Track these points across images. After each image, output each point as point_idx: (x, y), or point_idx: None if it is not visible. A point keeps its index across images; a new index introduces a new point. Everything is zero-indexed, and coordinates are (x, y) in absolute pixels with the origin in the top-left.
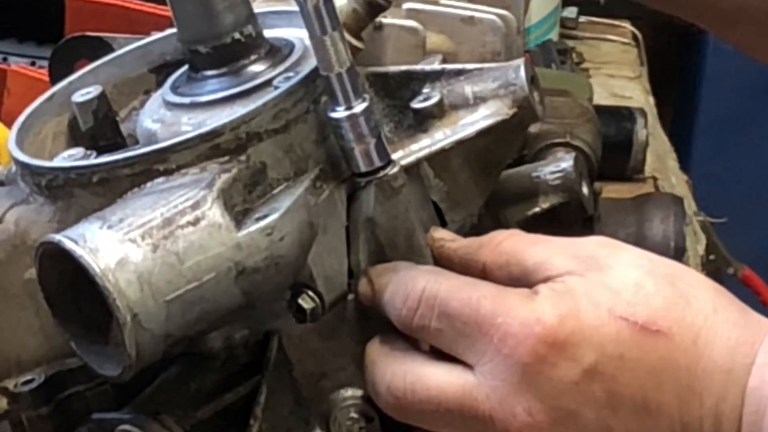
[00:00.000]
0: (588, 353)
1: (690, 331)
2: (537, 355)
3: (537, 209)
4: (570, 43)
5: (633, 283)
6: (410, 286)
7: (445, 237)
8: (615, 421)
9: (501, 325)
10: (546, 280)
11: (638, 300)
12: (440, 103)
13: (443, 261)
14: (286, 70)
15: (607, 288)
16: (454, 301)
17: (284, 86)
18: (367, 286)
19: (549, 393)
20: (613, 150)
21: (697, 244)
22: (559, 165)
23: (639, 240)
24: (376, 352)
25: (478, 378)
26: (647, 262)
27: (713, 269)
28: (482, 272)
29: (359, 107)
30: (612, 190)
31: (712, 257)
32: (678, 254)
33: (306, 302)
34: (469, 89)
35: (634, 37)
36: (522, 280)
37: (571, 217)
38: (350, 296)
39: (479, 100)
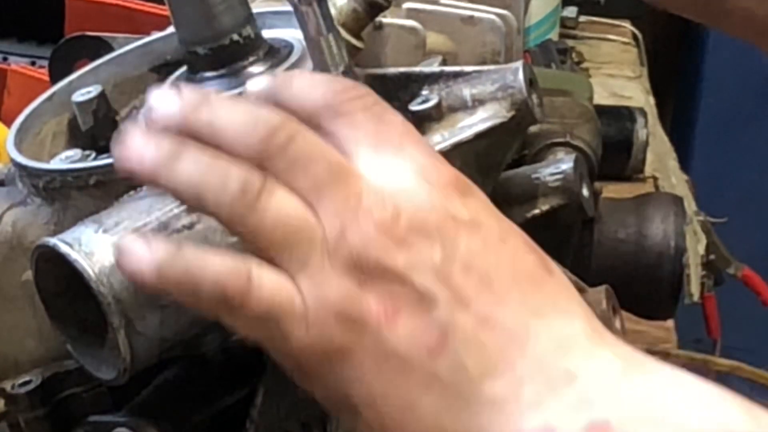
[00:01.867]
0: (469, 211)
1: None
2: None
3: (536, 211)
4: (570, 42)
5: (498, 233)
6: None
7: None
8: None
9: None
10: None
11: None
12: (438, 105)
13: None
14: (285, 71)
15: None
16: (297, 138)
17: None
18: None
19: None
20: (613, 150)
21: (697, 244)
22: (558, 166)
23: (639, 240)
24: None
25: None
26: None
27: (713, 269)
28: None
29: None
30: (612, 190)
31: (712, 257)
32: (678, 254)
33: None
34: (467, 92)
35: (634, 37)
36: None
37: (570, 219)
38: None
39: (477, 102)
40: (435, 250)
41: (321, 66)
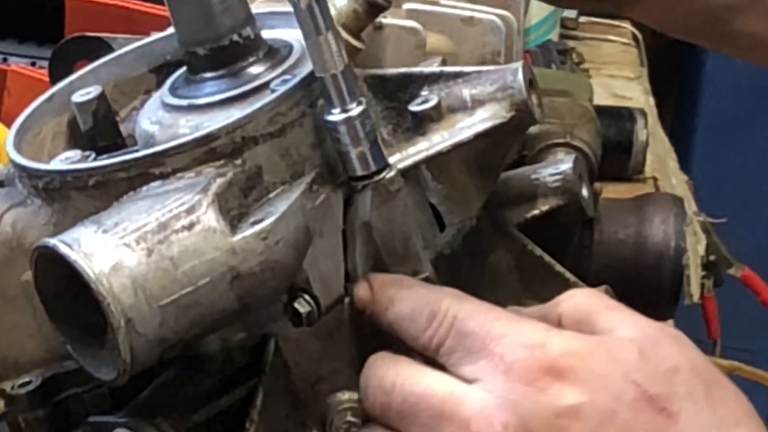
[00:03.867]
0: (579, 393)
1: (698, 426)
2: (529, 376)
3: (536, 211)
4: (570, 43)
5: (671, 366)
6: (436, 306)
7: (521, 309)
8: None
9: (507, 344)
10: None
11: (663, 377)
12: (438, 106)
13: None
14: (284, 72)
15: (642, 357)
16: (472, 321)
17: (280, 90)
18: (367, 292)
19: (528, 415)
20: (613, 150)
21: (697, 244)
22: (558, 167)
23: (639, 240)
24: (378, 356)
25: (470, 388)
26: (702, 363)
27: (713, 269)
28: (557, 325)
29: (355, 110)
30: (612, 191)
31: (712, 257)
32: (678, 254)
33: (302, 306)
34: (467, 92)
35: (634, 38)
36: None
37: (570, 220)
38: (347, 300)
39: (477, 103)
40: None
41: (320, 65)
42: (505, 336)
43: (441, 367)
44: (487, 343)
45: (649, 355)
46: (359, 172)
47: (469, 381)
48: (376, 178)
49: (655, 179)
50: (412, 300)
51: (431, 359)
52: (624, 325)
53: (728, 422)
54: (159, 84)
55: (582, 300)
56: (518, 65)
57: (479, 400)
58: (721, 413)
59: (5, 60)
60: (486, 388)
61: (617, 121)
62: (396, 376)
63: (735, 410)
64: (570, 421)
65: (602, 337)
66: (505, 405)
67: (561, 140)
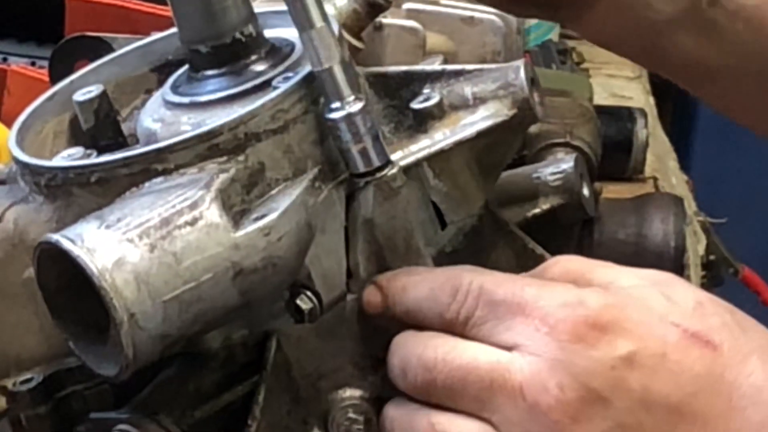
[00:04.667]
0: (629, 342)
1: (741, 351)
2: (576, 333)
3: (537, 210)
4: (570, 43)
5: (694, 300)
6: (457, 281)
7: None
8: (646, 418)
9: (543, 306)
10: None
11: (695, 314)
12: (440, 103)
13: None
14: (286, 69)
15: (667, 298)
16: (500, 288)
17: (283, 86)
18: (376, 293)
19: (583, 372)
20: (613, 150)
21: (697, 244)
22: (559, 166)
23: (639, 240)
24: (406, 335)
25: (514, 354)
26: (711, 295)
27: (713, 269)
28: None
29: (355, 107)
30: (612, 190)
31: (712, 257)
32: (678, 254)
33: (304, 303)
34: (468, 90)
35: None
36: None
37: (571, 219)
38: (349, 296)
39: (479, 101)
40: (608, 409)
41: (314, 59)
42: (540, 298)
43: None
44: (522, 308)
45: (672, 295)
46: (361, 169)
47: (509, 348)
48: (378, 174)
49: (655, 179)
50: (428, 281)
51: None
52: (623, 276)
53: (763, 343)
54: (160, 83)
55: (569, 263)
56: (520, 63)
57: (528, 364)
58: (753, 336)
59: (5, 60)
60: (531, 352)
61: (617, 120)
62: (436, 352)
63: (761, 331)
64: (626, 371)
65: (627, 289)
66: (557, 365)
67: (561, 140)
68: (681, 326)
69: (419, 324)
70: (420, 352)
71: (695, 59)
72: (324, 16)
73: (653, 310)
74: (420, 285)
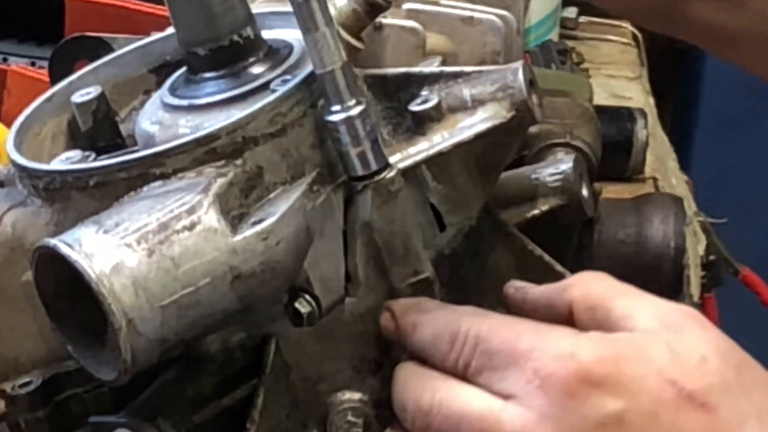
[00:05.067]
0: (620, 399)
1: (739, 414)
2: (567, 388)
3: (536, 211)
4: (570, 43)
5: (699, 354)
6: (455, 328)
7: (525, 285)
8: None
9: (537, 357)
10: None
11: (696, 371)
12: (438, 106)
13: (527, 306)
14: (285, 72)
15: (670, 350)
16: (496, 338)
17: (280, 90)
18: (391, 321)
19: (572, 428)
20: (613, 150)
21: (697, 245)
22: (558, 167)
23: (639, 240)
24: (408, 371)
25: (507, 404)
26: (726, 345)
27: (713, 269)
28: (568, 313)
29: (355, 110)
30: (612, 191)
31: (712, 257)
32: (678, 254)
33: (303, 306)
34: (467, 92)
35: (634, 37)
36: (603, 326)
37: (570, 220)
38: (347, 300)
39: (477, 103)
40: None
41: (318, 61)
42: (534, 349)
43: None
44: (516, 359)
45: (677, 347)
46: (360, 172)
47: (504, 397)
48: (377, 178)
49: (655, 179)
50: (432, 325)
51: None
52: (642, 312)
53: (765, 407)
54: (159, 84)
55: (593, 285)
56: (518, 65)
57: (519, 417)
58: (756, 398)
59: (5, 60)
60: (523, 404)
61: (617, 121)
62: (433, 396)
63: (764, 391)
64: (614, 429)
65: (629, 337)
66: (546, 420)
67: (561, 140)
68: (678, 384)
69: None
70: (418, 395)
71: (715, 26)
72: (329, 18)
73: (652, 363)
74: (425, 327)
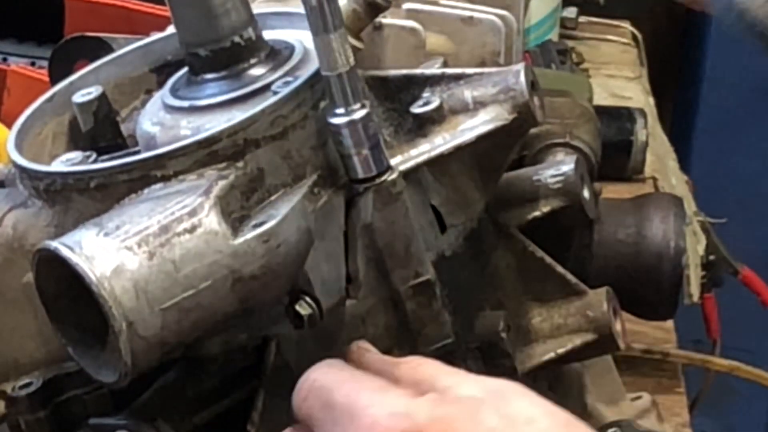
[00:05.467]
0: None
1: None
2: None
3: (537, 213)
4: (570, 43)
5: (527, 416)
6: (307, 376)
7: (368, 347)
8: None
9: (372, 414)
10: None
11: (526, 430)
12: (440, 108)
13: (362, 368)
14: (286, 74)
15: (499, 413)
16: (338, 392)
17: (282, 92)
18: None
19: None
20: (613, 150)
21: (697, 245)
22: (560, 168)
23: (638, 240)
24: None
25: None
26: (553, 408)
27: (713, 269)
28: (395, 383)
29: (359, 114)
30: (612, 190)
31: (712, 257)
32: (678, 254)
33: (303, 309)
34: (468, 94)
35: (634, 38)
36: None
37: (572, 221)
38: (348, 302)
39: (479, 105)
40: None
41: (326, 63)
42: (372, 405)
43: None
44: (354, 413)
45: (505, 410)
46: (361, 175)
47: None
48: (378, 180)
49: (654, 179)
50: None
51: None
52: (465, 383)
53: None
54: (160, 84)
55: (423, 363)
56: (520, 67)
57: None
58: None
59: (5, 60)
60: None
61: (617, 121)
62: None
63: None
64: None
65: (462, 400)
66: None
67: (561, 140)
68: None
69: None
70: None
71: None
72: (340, 22)
73: (482, 425)
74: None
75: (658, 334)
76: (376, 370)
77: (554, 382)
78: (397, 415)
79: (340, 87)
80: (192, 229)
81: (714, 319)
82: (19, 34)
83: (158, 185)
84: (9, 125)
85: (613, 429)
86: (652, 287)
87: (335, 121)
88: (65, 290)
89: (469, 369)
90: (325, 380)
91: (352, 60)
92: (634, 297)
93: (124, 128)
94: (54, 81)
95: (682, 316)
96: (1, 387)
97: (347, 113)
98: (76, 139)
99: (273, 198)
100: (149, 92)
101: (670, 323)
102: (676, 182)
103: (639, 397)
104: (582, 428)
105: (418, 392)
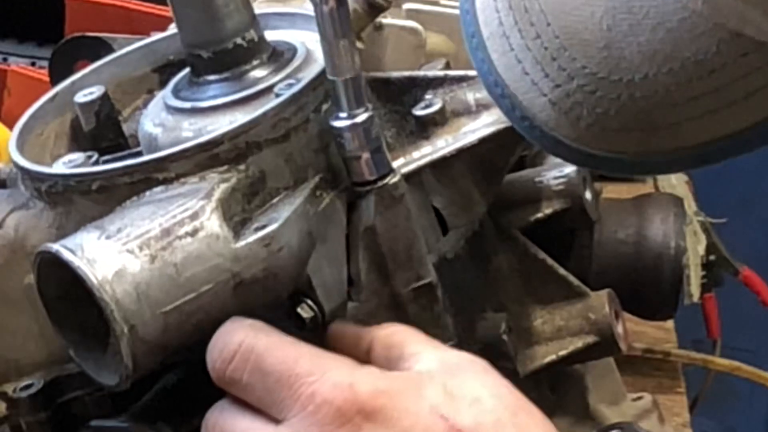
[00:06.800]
0: (391, 430)
1: None
2: (340, 417)
3: (540, 214)
4: None
5: (474, 396)
6: (227, 339)
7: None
8: None
9: (312, 383)
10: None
11: (469, 410)
12: (442, 110)
13: (335, 336)
14: (288, 75)
15: (445, 391)
16: (272, 357)
17: (284, 95)
18: None
19: None
20: None
21: (697, 244)
22: (562, 170)
23: (639, 240)
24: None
25: (279, 428)
26: (503, 389)
27: (713, 269)
28: (367, 349)
29: (361, 117)
30: (612, 190)
31: (712, 257)
32: (678, 254)
33: (305, 311)
34: (471, 96)
35: None
36: (394, 363)
37: (574, 223)
38: (350, 304)
39: (481, 107)
40: None
41: (333, 68)
42: (312, 374)
43: None
44: (291, 382)
45: (452, 387)
46: (363, 178)
47: (276, 421)
48: (380, 183)
49: (654, 179)
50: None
51: None
52: (425, 354)
53: None
54: (162, 83)
55: (398, 329)
56: None
57: None
58: None
59: (5, 60)
60: (295, 429)
61: None
62: (216, 418)
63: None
64: None
65: (407, 374)
66: None
67: None
68: (449, 420)
69: None
70: (207, 417)
71: None
72: (348, 27)
73: (426, 400)
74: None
75: (658, 334)
76: (352, 334)
77: (556, 383)
78: (340, 386)
79: (345, 91)
80: (193, 233)
81: (714, 318)
82: (19, 34)
83: (160, 188)
84: (9, 125)
85: (615, 431)
86: (653, 287)
87: (338, 124)
88: (66, 292)
89: None
90: (255, 343)
91: (358, 65)
92: (634, 297)
93: (126, 128)
94: (54, 81)
95: (683, 316)
96: (3, 388)
97: (349, 117)
98: (78, 139)
99: (275, 201)
100: (151, 92)
101: (670, 323)
102: (676, 182)
103: (640, 398)
104: (534, 414)
105: (383, 360)
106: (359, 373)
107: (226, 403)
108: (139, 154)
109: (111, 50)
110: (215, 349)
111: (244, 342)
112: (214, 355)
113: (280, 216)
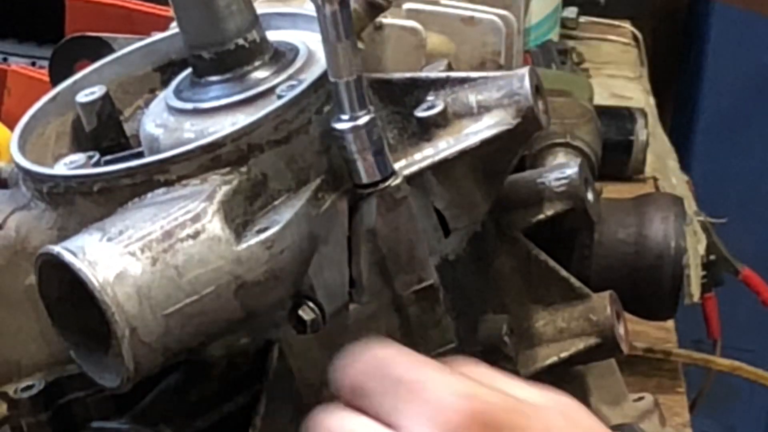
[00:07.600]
0: None
1: None
2: (468, 427)
3: (541, 216)
4: (570, 43)
5: (588, 425)
6: (361, 348)
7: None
8: None
9: (435, 390)
10: None
11: None
12: (444, 112)
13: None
14: (290, 76)
15: (565, 418)
16: (398, 365)
17: (286, 97)
18: None
19: None
20: (614, 150)
21: (697, 244)
22: (564, 171)
23: (639, 240)
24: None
25: None
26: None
27: (713, 269)
28: None
29: (363, 119)
30: (612, 190)
31: (712, 257)
32: (678, 254)
33: (306, 313)
34: (473, 98)
35: (634, 38)
36: None
37: (576, 224)
38: (351, 306)
39: (483, 109)
40: None
41: (335, 70)
42: (436, 382)
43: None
44: (417, 389)
45: (569, 415)
46: (365, 180)
47: (394, 428)
48: (382, 185)
49: (655, 179)
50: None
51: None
52: (520, 388)
53: None
54: (164, 83)
55: (474, 363)
56: (525, 71)
57: None
58: None
59: (5, 60)
60: None
61: (617, 121)
62: (322, 419)
63: None
64: None
65: (526, 401)
66: None
67: (561, 140)
68: None
69: None
70: (312, 425)
71: None
72: (351, 29)
73: (553, 425)
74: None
75: (658, 334)
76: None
77: (557, 384)
78: (465, 395)
79: (347, 94)
80: (195, 235)
81: (714, 318)
82: (19, 34)
83: (161, 190)
84: (9, 125)
85: None
86: (653, 287)
87: (340, 126)
88: (68, 294)
89: None
90: (384, 353)
91: (360, 67)
92: (634, 297)
93: (128, 128)
94: (54, 81)
95: (683, 315)
96: (3, 389)
97: (351, 119)
98: (80, 139)
99: (276, 203)
100: (153, 91)
101: (670, 323)
102: (676, 182)
103: (641, 398)
104: None
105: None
106: (484, 388)
107: (335, 407)
108: (140, 154)
109: (111, 50)
110: (347, 356)
111: (375, 351)
112: (346, 360)
113: (282, 218)
